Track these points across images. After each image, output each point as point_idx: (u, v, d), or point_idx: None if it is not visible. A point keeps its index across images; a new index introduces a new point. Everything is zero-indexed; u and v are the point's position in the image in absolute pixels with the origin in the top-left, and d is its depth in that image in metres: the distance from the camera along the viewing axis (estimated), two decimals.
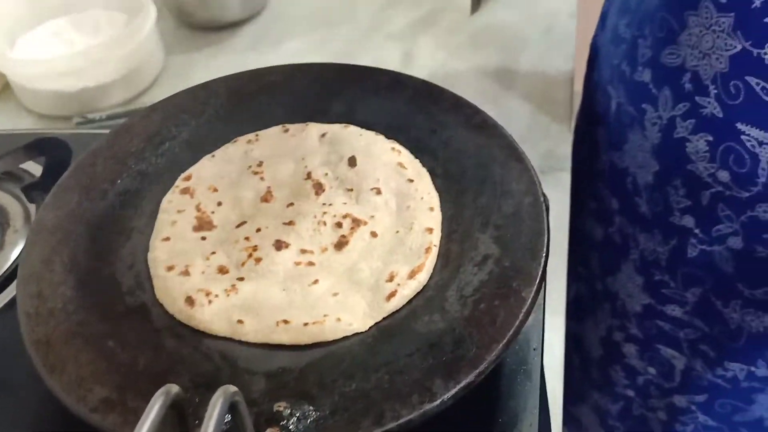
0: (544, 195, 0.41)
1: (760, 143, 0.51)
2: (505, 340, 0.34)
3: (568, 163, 0.67)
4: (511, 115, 0.72)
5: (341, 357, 0.36)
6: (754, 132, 0.51)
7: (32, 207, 0.54)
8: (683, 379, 0.70)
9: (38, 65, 0.77)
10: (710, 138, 0.54)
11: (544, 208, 0.40)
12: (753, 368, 0.65)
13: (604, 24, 0.72)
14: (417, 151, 0.46)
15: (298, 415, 0.33)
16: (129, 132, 0.48)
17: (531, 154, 0.45)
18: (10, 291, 0.47)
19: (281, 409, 0.33)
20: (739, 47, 0.49)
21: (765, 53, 0.48)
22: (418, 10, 0.90)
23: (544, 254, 0.37)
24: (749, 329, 0.62)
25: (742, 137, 0.51)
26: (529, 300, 0.36)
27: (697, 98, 0.53)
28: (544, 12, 0.87)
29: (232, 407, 0.28)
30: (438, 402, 0.32)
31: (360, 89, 0.51)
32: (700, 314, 0.64)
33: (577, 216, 0.68)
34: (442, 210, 0.43)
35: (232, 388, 0.29)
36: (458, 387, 0.33)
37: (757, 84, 0.49)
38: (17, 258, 0.49)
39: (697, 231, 0.59)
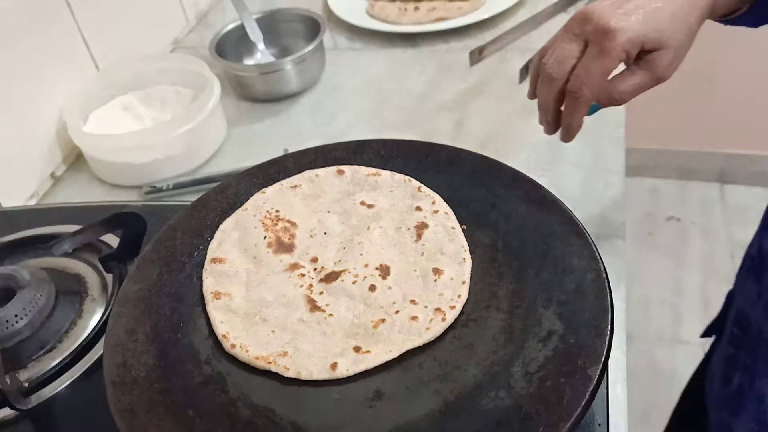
0: (605, 271, 0.42)
1: None
2: (572, 419, 0.35)
3: (623, 230, 0.67)
4: (563, 182, 0.73)
5: None
6: None
7: (109, 277, 0.57)
8: None
9: (111, 140, 0.82)
10: None
11: (606, 284, 0.41)
12: None
13: None
14: (477, 224, 0.48)
15: None
16: (205, 206, 0.51)
17: (584, 221, 0.46)
18: (90, 357, 0.50)
19: None
20: None
21: None
22: (468, 80, 0.94)
23: (608, 332, 0.38)
24: None
25: None
26: (596, 378, 0.36)
27: None
28: None
29: None
30: None
31: (420, 164, 0.53)
32: None
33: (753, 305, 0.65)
34: (504, 285, 0.44)
35: None
36: None
37: None
38: (96, 325, 0.52)
39: None
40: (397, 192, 0.51)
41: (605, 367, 0.37)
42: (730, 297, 0.77)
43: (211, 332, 0.44)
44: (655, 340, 1.67)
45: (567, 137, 0.55)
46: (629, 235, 1.94)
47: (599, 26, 0.49)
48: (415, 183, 0.52)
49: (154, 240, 0.49)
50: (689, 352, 1.64)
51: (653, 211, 1.99)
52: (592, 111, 0.53)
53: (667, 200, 2.01)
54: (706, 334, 0.82)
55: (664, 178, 2.05)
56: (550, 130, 0.56)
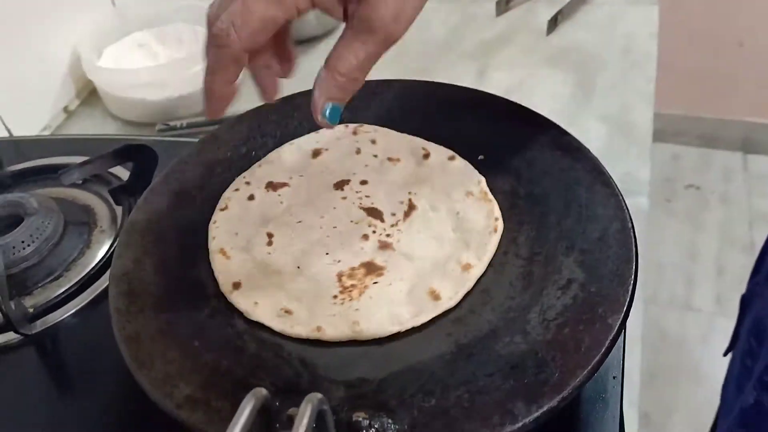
0: (631, 221, 0.40)
1: None
2: (590, 367, 0.33)
3: (646, 188, 0.65)
4: (588, 136, 0.71)
5: (420, 372, 0.36)
6: None
7: (118, 209, 0.56)
8: None
9: (125, 75, 0.80)
10: None
11: (632, 234, 0.39)
12: None
13: None
14: (499, 170, 0.46)
15: (377, 426, 0.33)
16: (217, 140, 0.50)
17: None
18: (97, 286, 0.49)
19: (360, 419, 0.33)
20: None
21: None
22: (493, 29, 0.91)
23: (632, 281, 0.37)
24: None
25: None
26: (616, 327, 0.35)
27: None
28: (622, 32, 0.86)
29: (318, 415, 0.28)
30: (519, 425, 0.32)
31: (441, 106, 0.51)
32: None
33: None
34: (524, 231, 0.42)
35: (319, 396, 0.29)
36: (541, 411, 0.32)
37: None
38: (104, 256, 0.52)
39: None
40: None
41: (626, 317, 0.35)
42: (744, 302, 0.74)
43: None
44: (667, 305, 1.66)
45: (209, 110, 0.38)
46: None
47: None
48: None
49: (165, 172, 0.48)
50: (699, 320, 1.63)
51: (673, 178, 1.95)
52: (333, 115, 0.38)
53: (688, 168, 1.98)
54: (729, 349, 0.78)
55: (686, 144, 2.01)
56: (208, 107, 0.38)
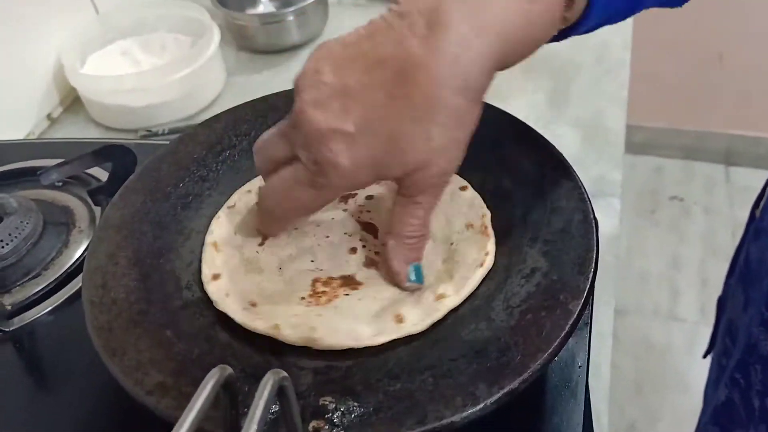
0: (593, 212, 0.41)
1: None
2: (550, 350, 0.34)
3: (618, 189, 0.67)
4: (563, 140, 0.73)
5: (386, 359, 0.37)
6: None
7: (97, 210, 0.56)
8: None
9: (108, 82, 0.81)
10: None
11: (593, 225, 0.40)
12: None
13: None
14: (470, 166, 0.47)
15: (342, 409, 0.34)
16: (193, 140, 0.51)
17: (582, 178, 0.46)
18: (74, 285, 0.50)
19: (326, 403, 0.34)
20: None
21: None
22: None
23: (592, 269, 0.38)
24: None
25: None
26: (576, 313, 0.36)
27: None
28: (597, 42, 0.88)
29: (280, 392, 0.29)
30: (481, 406, 0.33)
31: None
32: None
33: (749, 322, 0.61)
34: (492, 224, 0.43)
35: (282, 373, 0.29)
36: (501, 392, 0.33)
37: None
38: (81, 255, 0.52)
39: None
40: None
41: (586, 303, 0.36)
42: (720, 304, 0.76)
43: (193, 260, 0.43)
44: (652, 315, 1.68)
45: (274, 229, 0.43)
46: (630, 212, 1.93)
47: (312, 154, 0.35)
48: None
49: (140, 169, 0.48)
50: (684, 329, 1.64)
51: (656, 190, 1.97)
52: (418, 275, 0.41)
53: (671, 179, 2.00)
54: (708, 351, 0.79)
55: (669, 157, 2.03)
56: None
